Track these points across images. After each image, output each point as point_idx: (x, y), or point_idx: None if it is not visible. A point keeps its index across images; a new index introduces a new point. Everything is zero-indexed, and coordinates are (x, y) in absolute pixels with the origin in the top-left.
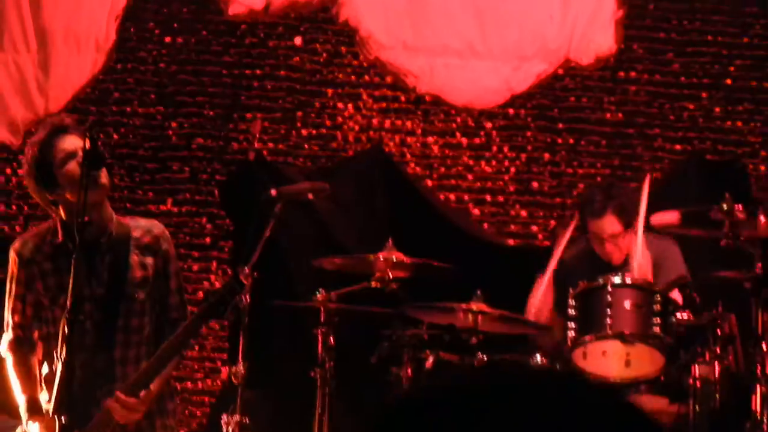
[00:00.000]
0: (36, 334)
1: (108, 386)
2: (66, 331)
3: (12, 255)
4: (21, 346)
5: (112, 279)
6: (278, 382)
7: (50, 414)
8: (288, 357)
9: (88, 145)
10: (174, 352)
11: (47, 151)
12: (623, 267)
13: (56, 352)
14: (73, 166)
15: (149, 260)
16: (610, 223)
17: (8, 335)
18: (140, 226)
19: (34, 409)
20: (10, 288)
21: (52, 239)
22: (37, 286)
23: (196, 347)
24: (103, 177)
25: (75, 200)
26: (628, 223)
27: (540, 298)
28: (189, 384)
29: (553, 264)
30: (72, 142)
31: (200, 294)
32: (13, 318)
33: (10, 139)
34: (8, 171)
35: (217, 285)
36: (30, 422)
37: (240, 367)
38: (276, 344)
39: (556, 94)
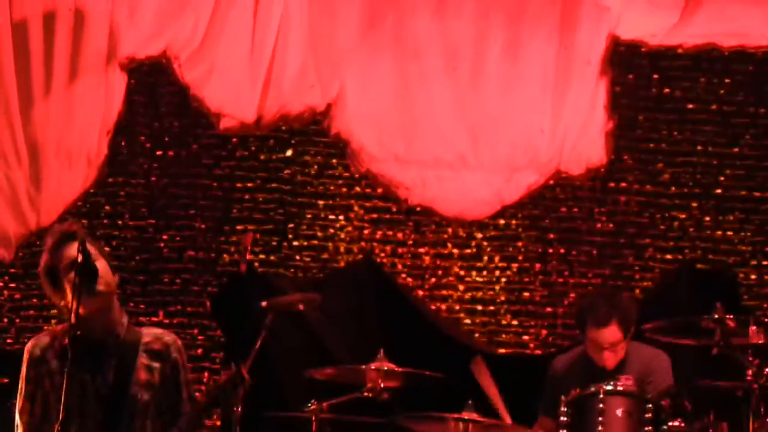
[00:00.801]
0: None
1: None
2: None
3: (25, 354)
4: None
5: (117, 380)
6: None
7: None
8: None
9: (80, 258)
10: None
11: (55, 257)
12: (615, 374)
13: None
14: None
15: (156, 365)
16: (612, 333)
17: None
18: (152, 333)
19: None
20: (20, 387)
21: (62, 339)
22: (45, 384)
23: None
24: (101, 284)
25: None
26: (627, 331)
27: None
28: None
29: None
30: (76, 250)
31: None
32: (21, 418)
33: (2, 253)
34: (0, 284)
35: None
36: None
37: None
38: None
39: (546, 205)
